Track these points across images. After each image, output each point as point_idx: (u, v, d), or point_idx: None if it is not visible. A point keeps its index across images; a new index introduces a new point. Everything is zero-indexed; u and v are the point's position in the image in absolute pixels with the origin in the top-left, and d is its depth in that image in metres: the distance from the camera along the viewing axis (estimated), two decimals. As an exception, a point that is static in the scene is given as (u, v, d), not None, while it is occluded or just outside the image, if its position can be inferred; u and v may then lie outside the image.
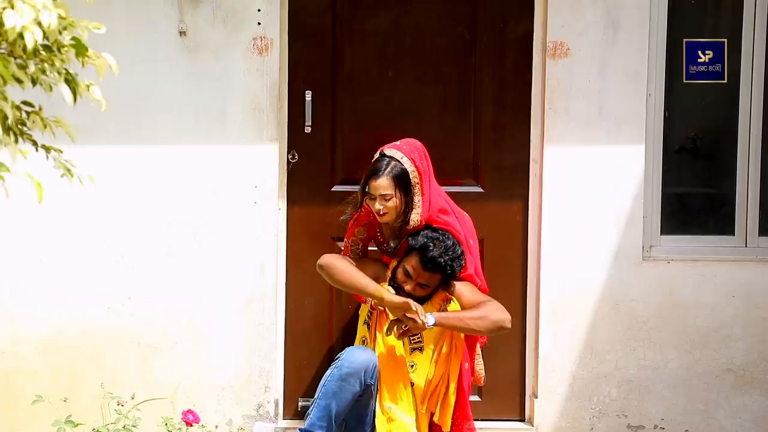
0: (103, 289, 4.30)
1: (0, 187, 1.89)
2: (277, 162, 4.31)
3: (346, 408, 3.70)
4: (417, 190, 3.78)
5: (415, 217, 3.78)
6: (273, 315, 4.34)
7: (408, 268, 3.76)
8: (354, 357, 3.70)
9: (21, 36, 1.83)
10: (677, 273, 4.38)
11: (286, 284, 4.43)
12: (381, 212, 3.78)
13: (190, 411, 3.84)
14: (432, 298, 3.82)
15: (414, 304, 3.64)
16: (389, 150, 3.81)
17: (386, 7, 4.43)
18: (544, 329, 4.36)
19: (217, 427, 4.30)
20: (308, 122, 4.38)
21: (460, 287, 3.84)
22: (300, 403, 4.44)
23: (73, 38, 2.01)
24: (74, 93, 2.03)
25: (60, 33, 1.96)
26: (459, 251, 3.76)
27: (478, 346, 3.98)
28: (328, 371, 3.73)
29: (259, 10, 4.24)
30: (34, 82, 1.96)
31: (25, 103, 2.06)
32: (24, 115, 2.06)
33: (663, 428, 4.41)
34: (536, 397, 4.41)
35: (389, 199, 3.76)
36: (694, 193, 4.63)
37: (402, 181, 3.75)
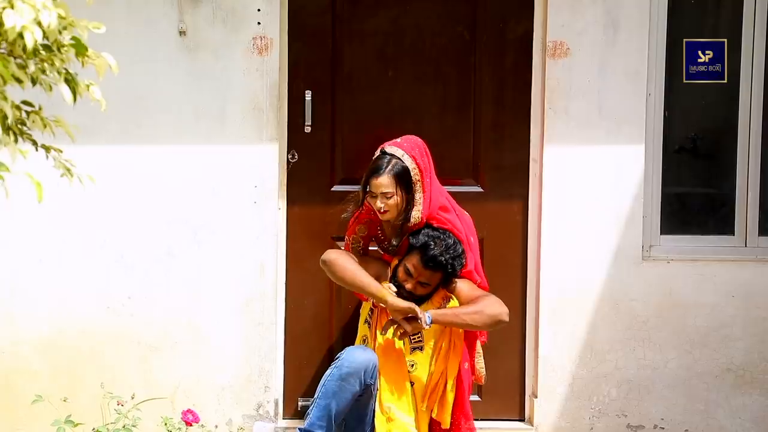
0: (103, 289, 4.30)
1: (0, 186, 1.89)
2: (277, 162, 4.31)
3: (345, 408, 3.70)
4: (418, 187, 3.77)
5: (416, 215, 3.78)
6: (273, 315, 4.34)
7: (409, 266, 3.76)
8: (354, 357, 3.69)
9: (21, 36, 1.83)
10: (677, 273, 4.37)
11: (285, 284, 4.43)
12: (382, 210, 3.78)
13: (189, 411, 3.84)
14: (432, 296, 3.82)
15: (415, 308, 3.65)
16: (390, 147, 3.80)
17: (386, 6, 4.43)
18: (544, 329, 4.36)
19: (216, 426, 4.30)
20: (308, 122, 4.37)
21: (459, 284, 3.84)
22: (300, 403, 4.44)
23: (73, 38, 2.01)
24: (74, 93, 2.03)
25: (60, 33, 1.96)
26: (460, 250, 3.76)
27: (478, 344, 3.98)
28: (328, 371, 3.73)
29: (258, 10, 4.24)
30: (33, 81, 1.96)
31: (24, 102, 2.06)
32: (24, 114, 2.06)
33: (663, 428, 4.41)
34: (536, 397, 4.41)
35: (390, 197, 3.75)
36: (693, 193, 4.63)
37: (403, 178, 3.75)
